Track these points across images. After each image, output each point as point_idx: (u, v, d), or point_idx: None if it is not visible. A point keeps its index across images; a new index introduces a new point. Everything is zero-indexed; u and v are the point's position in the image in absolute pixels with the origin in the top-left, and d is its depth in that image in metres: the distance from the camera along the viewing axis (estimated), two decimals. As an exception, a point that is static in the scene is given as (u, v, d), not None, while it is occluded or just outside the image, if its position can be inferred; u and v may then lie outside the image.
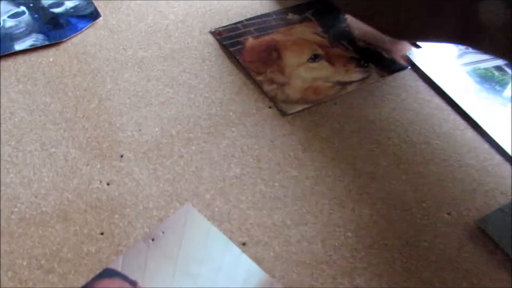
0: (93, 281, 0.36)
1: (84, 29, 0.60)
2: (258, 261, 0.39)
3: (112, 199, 0.43)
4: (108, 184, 0.44)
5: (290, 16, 0.64)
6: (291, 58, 0.59)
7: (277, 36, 0.61)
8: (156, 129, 0.49)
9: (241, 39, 0.60)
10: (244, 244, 0.40)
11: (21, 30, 0.59)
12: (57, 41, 0.58)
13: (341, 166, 0.47)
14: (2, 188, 0.42)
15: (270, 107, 0.53)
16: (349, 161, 0.48)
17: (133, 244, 0.39)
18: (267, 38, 0.61)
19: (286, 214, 0.43)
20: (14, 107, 0.50)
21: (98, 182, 0.44)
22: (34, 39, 0.58)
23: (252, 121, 0.51)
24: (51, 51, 0.57)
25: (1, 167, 0.44)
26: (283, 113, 0.52)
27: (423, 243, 0.42)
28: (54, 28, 0.59)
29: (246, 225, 0.42)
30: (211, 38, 0.60)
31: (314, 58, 0.59)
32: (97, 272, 0.37)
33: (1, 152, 0.45)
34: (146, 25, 0.61)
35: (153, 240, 0.39)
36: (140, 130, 0.49)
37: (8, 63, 0.55)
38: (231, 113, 0.52)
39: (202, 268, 0.38)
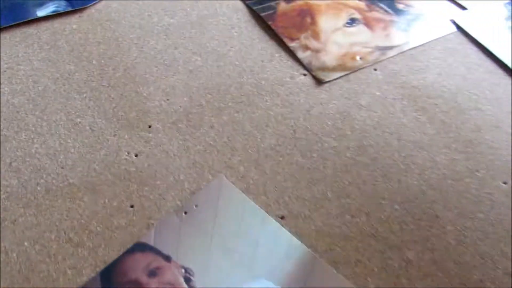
0: (125, 255, 0.34)
1: (106, -5, 0.57)
2: (298, 235, 0.36)
3: (141, 171, 0.40)
4: (136, 155, 0.41)
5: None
6: (326, 23, 0.55)
7: (310, 0, 0.57)
8: (185, 98, 0.46)
9: (272, 3, 0.57)
10: (282, 217, 0.38)
11: (42, -4, 0.57)
12: (80, 7, 0.55)
13: (385, 136, 0.44)
14: (27, 159, 0.41)
15: (304, 75, 0.49)
16: (392, 130, 0.44)
17: (165, 218, 0.37)
18: (300, 2, 0.57)
19: (326, 186, 0.40)
20: (37, 75, 0.48)
21: (126, 153, 0.42)
22: (56, 5, 0.55)
23: (286, 90, 0.48)
24: (74, 18, 0.55)
25: (25, 137, 0.42)
26: (320, 81, 0.48)
27: (478, 214, 0.38)
28: (76, -5, 0.57)
29: (283, 198, 0.39)
30: (239, 4, 0.57)
31: (351, 22, 0.55)
32: (129, 246, 0.35)
33: (26, 121, 0.43)
34: (170, -10, 0.58)
35: (186, 213, 0.37)
36: (168, 99, 0.46)
37: (31, 30, 0.53)
38: (263, 82, 0.48)
39: (239, 242, 0.35)
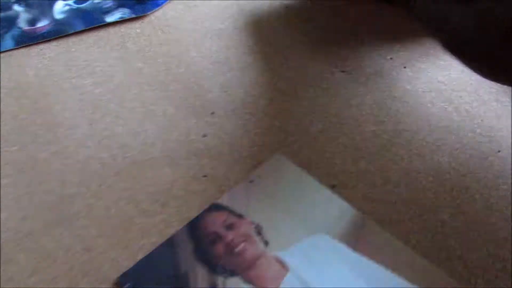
0: (204, 213, 0.41)
1: (163, 4, 0.65)
2: (348, 200, 0.43)
3: (210, 148, 0.47)
4: (204, 136, 0.48)
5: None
6: None
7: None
8: (241, 90, 0.54)
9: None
10: (333, 186, 0.44)
11: (109, 5, 0.65)
12: (141, 15, 0.63)
13: (417, 122, 0.50)
14: (113, 137, 0.48)
15: (342, 71, 0.56)
16: (423, 117, 0.51)
17: (234, 185, 0.43)
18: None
19: (369, 162, 0.46)
20: (112, 71, 0.55)
21: (195, 134, 0.49)
22: (121, 12, 0.63)
23: (328, 83, 0.55)
24: (137, 24, 0.62)
25: (110, 121, 0.50)
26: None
27: (503, 185, 0.44)
28: (138, 3, 0.65)
29: (333, 171, 0.45)
30: (281, 11, 0.64)
31: None
32: (206, 206, 0.42)
33: (108, 107, 0.51)
34: (219, 1, 0.66)
35: (251, 182, 0.44)
36: (226, 91, 0.53)
37: (101, 33, 0.60)
38: (307, 77, 0.55)
39: (298, 205, 0.42)
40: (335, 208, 0.42)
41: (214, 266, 0.38)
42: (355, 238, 0.40)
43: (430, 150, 0.48)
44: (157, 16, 0.63)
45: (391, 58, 0.58)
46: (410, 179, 0.45)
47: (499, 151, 0.48)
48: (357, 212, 0.42)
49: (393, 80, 0.55)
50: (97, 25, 0.62)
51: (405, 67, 0.57)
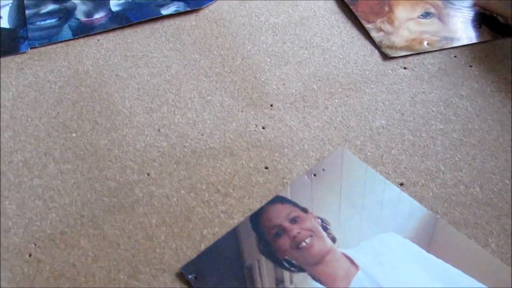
0: (268, 205, 0.39)
1: (218, -2, 0.64)
2: (418, 199, 0.40)
3: (270, 140, 0.46)
4: (263, 128, 0.47)
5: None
6: (402, 13, 0.60)
7: (392, -7, 0.63)
8: (299, 83, 0.52)
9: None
10: (402, 184, 0.42)
11: (164, -2, 0.64)
12: (196, 8, 0.63)
13: (488, 122, 0.47)
14: (172, 127, 0.47)
15: (405, 68, 0.54)
16: (495, 117, 0.48)
17: (297, 178, 0.42)
18: (382, -7, 0.63)
19: (438, 161, 0.44)
20: (168, 62, 0.55)
21: (254, 126, 0.47)
22: (176, 5, 0.63)
23: (390, 80, 0.52)
24: (192, 17, 0.62)
25: (167, 110, 0.49)
26: (386, 56, 0.54)
27: None
28: (192, -3, 0.64)
29: (400, 168, 0.43)
30: (335, 7, 0.62)
31: (425, 15, 0.60)
32: (269, 198, 0.40)
33: (166, 97, 0.50)
34: (273, -5, 0.64)
35: (315, 175, 0.42)
36: (284, 84, 0.52)
37: (157, 26, 0.60)
38: (367, 72, 0.53)
39: (365, 201, 0.40)
40: (405, 207, 0.40)
41: (279, 260, 0.36)
42: (428, 239, 0.37)
43: (503, 150, 0.45)
44: (211, 10, 0.63)
45: (455, 56, 0.55)
46: (485, 181, 0.42)
47: None
48: (429, 211, 0.39)
49: (459, 79, 0.52)
50: (152, 18, 0.61)
51: (471, 66, 0.54)
